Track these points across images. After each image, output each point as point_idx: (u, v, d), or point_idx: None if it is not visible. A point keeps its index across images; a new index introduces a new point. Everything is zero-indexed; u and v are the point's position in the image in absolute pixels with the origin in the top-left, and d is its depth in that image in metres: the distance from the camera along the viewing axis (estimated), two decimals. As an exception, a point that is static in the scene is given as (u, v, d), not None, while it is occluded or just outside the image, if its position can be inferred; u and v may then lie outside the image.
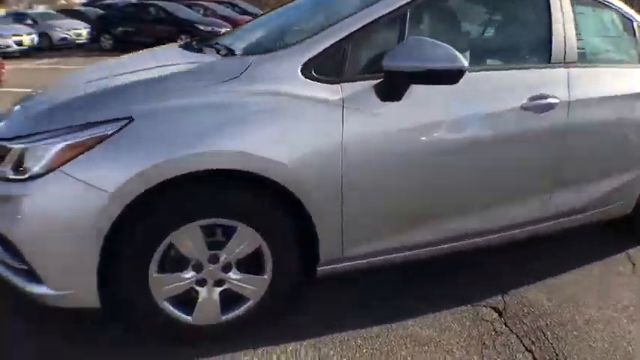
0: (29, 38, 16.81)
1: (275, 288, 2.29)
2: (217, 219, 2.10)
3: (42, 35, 18.10)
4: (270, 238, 2.19)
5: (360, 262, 2.41)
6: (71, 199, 1.96)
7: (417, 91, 2.26)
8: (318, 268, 2.34)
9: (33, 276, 2.08)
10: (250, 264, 2.25)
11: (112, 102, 2.07)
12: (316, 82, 2.18)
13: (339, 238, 2.28)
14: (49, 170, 1.97)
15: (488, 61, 2.78)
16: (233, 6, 23.48)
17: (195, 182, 2.06)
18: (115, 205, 1.95)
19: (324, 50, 2.21)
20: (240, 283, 2.24)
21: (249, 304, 2.29)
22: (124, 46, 16.67)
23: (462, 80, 2.18)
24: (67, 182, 1.95)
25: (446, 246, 2.59)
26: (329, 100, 2.16)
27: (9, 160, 2.05)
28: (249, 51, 2.59)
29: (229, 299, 2.28)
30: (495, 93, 2.50)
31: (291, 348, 2.29)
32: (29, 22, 18.96)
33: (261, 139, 2.06)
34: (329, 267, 2.35)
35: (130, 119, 1.99)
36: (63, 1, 61.22)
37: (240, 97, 2.09)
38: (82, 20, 20.59)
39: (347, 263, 2.38)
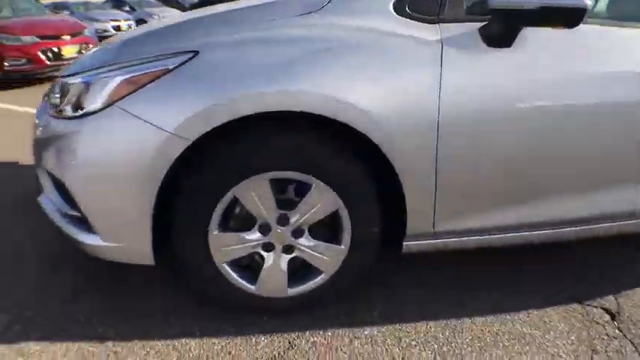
0: (126, 24, 17.36)
1: (352, 261, 1.97)
2: (289, 172, 1.80)
3: (139, 22, 18.70)
4: (350, 201, 1.86)
5: (453, 239, 2.04)
6: (126, 138, 1.73)
7: (529, 37, 1.87)
8: (404, 243, 2.00)
9: (85, 225, 1.88)
10: (324, 232, 1.95)
11: (176, 35, 1.83)
12: (410, 20, 1.84)
13: (431, 209, 1.93)
14: (104, 106, 1.76)
15: (610, 16, 2.31)
16: None
17: (264, 127, 1.79)
18: (174, 147, 1.70)
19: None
20: (312, 252, 1.94)
21: (321, 277, 1.99)
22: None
23: (582, 31, 1.83)
24: (122, 119, 1.73)
25: (557, 231, 2.15)
26: (425, 41, 1.80)
27: (69, 99, 1.87)
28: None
29: (298, 271, 1.99)
30: (621, 51, 2.05)
31: (367, 332, 1.97)
32: (127, 8, 19.72)
33: (341, 80, 1.73)
34: (417, 242, 2.01)
35: (195, 53, 1.74)
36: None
37: (320, 32, 1.78)
38: (178, 8, 21.13)
39: (438, 240, 2.03)
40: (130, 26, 17.56)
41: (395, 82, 1.77)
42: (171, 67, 1.73)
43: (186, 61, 1.73)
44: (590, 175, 2.07)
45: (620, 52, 2.03)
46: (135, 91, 1.74)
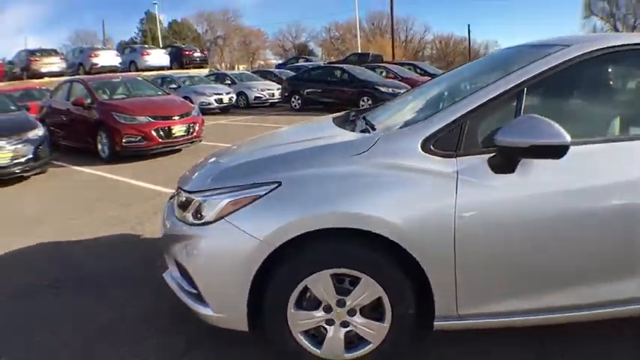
0: (228, 97, 19.12)
1: (393, 335, 2.59)
2: (345, 269, 2.49)
3: (239, 94, 20.44)
4: (390, 291, 2.51)
5: (475, 321, 2.60)
6: (232, 242, 2.51)
7: (529, 163, 2.41)
8: (435, 323, 2.60)
9: (200, 299, 2.66)
10: (373, 311, 2.60)
11: (265, 169, 2.62)
12: (434, 156, 2.46)
13: (453, 298, 2.51)
14: (217, 219, 2.56)
15: (602, 134, 2.71)
16: (414, 67, 24.63)
17: (327, 237, 2.49)
18: (263, 250, 2.45)
19: (444, 127, 2.48)
20: (362, 327, 2.59)
21: (370, 347, 2.62)
22: (311, 106, 18.27)
23: (573, 153, 2.31)
24: (229, 229, 2.51)
25: (558, 315, 2.61)
26: (444, 173, 2.43)
27: (191, 209, 2.70)
28: (385, 127, 2.94)
29: (353, 340, 2.65)
30: (610, 166, 2.52)
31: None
32: (228, 82, 21.54)
33: (380, 204, 2.41)
34: (445, 322, 2.59)
35: (279, 184, 2.50)
36: (261, 62, 68.21)
37: (365, 169, 2.48)
38: (275, 81, 22.75)
39: (462, 321, 2.59)
40: (230, 99, 19.05)
41: (418, 204, 2.43)
42: (262, 193, 2.50)
43: (272, 190, 2.49)
44: (583, 268, 2.54)
45: (613, 165, 2.51)
46: (238, 209, 2.52)
